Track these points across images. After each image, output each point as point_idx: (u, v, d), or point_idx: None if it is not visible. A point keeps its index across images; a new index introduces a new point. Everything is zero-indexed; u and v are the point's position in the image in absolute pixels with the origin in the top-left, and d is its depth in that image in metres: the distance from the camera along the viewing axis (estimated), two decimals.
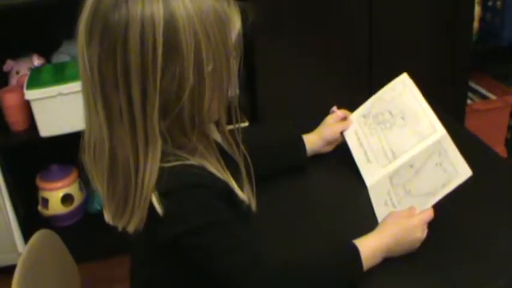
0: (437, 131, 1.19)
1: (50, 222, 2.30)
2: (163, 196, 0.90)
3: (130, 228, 0.93)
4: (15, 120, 2.14)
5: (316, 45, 2.23)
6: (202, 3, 0.87)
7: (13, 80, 2.23)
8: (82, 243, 1.78)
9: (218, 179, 0.96)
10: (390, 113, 1.34)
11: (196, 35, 0.85)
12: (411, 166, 1.20)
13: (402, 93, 1.33)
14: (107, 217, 0.98)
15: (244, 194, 1.02)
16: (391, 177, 1.23)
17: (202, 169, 0.94)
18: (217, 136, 1.10)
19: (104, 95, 0.88)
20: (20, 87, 2.10)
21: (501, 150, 2.72)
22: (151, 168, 0.89)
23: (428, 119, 1.24)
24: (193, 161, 0.93)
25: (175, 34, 0.84)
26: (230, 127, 1.07)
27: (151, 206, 0.90)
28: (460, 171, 1.08)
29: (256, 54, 2.19)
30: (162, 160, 0.91)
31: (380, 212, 1.19)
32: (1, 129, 2.16)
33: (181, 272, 1.01)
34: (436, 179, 1.11)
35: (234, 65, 0.97)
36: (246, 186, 1.03)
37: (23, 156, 2.33)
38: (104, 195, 0.96)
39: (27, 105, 2.08)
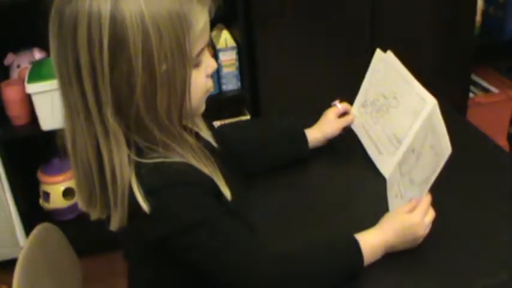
0: (427, 102, 1.17)
1: (51, 216, 2.30)
2: (148, 194, 0.89)
3: (113, 226, 0.92)
4: (17, 114, 2.14)
5: (317, 40, 2.23)
6: (158, 3, 0.84)
7: (14, 74, 2.22)
8: (83, 236, 1.77)
9: (204, 174, 0.95)
10: (384, 96, 1.32)
11: (145, 33, 0.84)
12: (413, 151, 1.18)
13: (386, 71, 1.31)
14: (80, 203, 0.98)
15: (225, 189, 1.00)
16: (401, 165, 1.21)
17: (188, 165, 0.93)
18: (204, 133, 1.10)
19: (62, 90, 0.90)
20: (21, 80, 2.10)
21: (503, 143, 2.72)
22: (119, 161, 0.89)
23: (415, 91, 1.22)
24: (177, 157, 0.92)
25: (122, 30, 0.83)
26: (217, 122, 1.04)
27: (137, 205, 0.89)
28: (444, 150, 1.04)
29: (258, 49, 2.19)
30: (144, 156, 0.91)
31: (392, 204, 1.17)
32: (2, 123, 2.16)
33: (178, 271, 1.00)
34: (430, 164, 1.09)
35: (198, 71, 0.94)
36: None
37: (25, 150, 2.33)
38: (75, 182, 0.97)
39: (28, 99, 2.08)
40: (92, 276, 1.58)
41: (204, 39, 0.93)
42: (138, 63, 0.84)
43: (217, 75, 2.25)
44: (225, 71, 2.24)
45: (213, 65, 0.98)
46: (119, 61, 0.84)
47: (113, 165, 0.89)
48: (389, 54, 1.32)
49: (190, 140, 0.96)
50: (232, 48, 2.21)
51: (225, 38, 2.21)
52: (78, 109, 0.88)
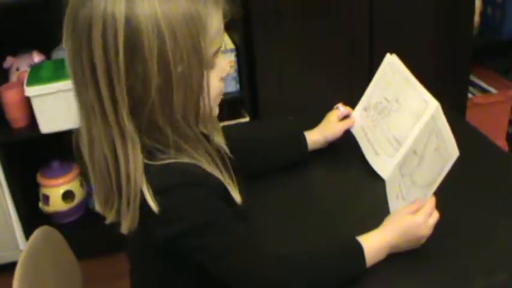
0: (429, 104, 1.17)
1: (51, 219, 2.30)
2: (158, 194, 0.89)
3: (124, 229, 0.92)
4: (16, 117, 2.14)
5: (316, 42, 2.23)
6: (172, 3, 0.84)
7: (13, 77, 2.22)
8: (83, 239, 1.77)
9: (213, 176, 0.95)
10: (386, 99, 1.32)
11: (160, 36, 0.84)
12: (415, 152, 1.17)
13: (392, 76, 1.32)
14: (97, 206, 0.98)
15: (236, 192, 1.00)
16: (401, 166, 1.21)
17: (197, 166, 0.93)
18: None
19: (77, 91, 0.90)
20: (20, 83, 2.10)
21: (502, 144, 2.72)
22: (134, 163, 0.89)
23: (418, 94, 1.22)
24: (187, 159, 0.92)
25: (137, 34, 0.83)
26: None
27: (146, 205, 0.89)
28: (451, 153, 1.05)
29: (257, 51, 2.19)
30: (153, 157, 0.91)
31: (393, 205, 1.17)
32: (1, 126, 2.16)
33: (185, 272, 1.00)
34: (435, 166, 1.09)
35: (213, 73, 0.94)
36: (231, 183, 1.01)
37: (24, 153, 2.33)
38: (92, 184, 0.97)
39: (27, 102, 2.08)
40: (92, 279, 1.58)
41: (219, 41, 0.94)
42: (154, 65, 0.84)
43: None
44: None
45: (226, 68, 0.99)
46: (134, 63, 0.84)
47: (128, 168, 0.89)
48: (394, 57, 1.32)
49: (206, 143, 0.96)
50: (231, 50, 2.21)
51: (224, 40, 2.21)
52: (94, 111, 0.88)
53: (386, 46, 1.90)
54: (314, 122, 1.40)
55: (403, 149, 1.22)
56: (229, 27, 2.26)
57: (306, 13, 2.17)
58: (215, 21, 0.91)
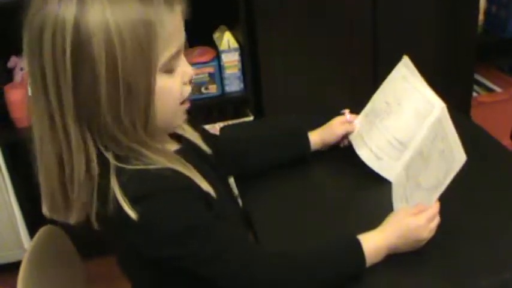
0: (436, 106, 1.16)
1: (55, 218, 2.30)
2: (135, 202, 0.87)
3: (72, 220, 0.94)
4: (20, 116, 2.14)
5: (319, 41, 2.23)
6: (123, 9, 0.83)
7: (17, 77, 2.23)
8: (88, 238, 1.77)
9: (189, 179, 0.93)
10: (386, 102, 1.32)
11: (109, 43, 0.82)
12: (421, 154, 1.17)
13: (397, 82, 1.31)
14: (44, 209, 1.00)
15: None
16: (408, 168, 1.20)
17: (172, 170, 0.91)
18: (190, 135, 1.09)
19: (34, 99, 0.89)
20: (25, 83, 2.10)
21: (507, 142, 2.70)
22: (79, 162, 0.88)
23: (423, 96, 1.21)
24: (158, 163, 0.90)
25: (86, 39, 0.82)
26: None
27: (122, 213, 0.86)
28: (457, 158, 1.04)
29: (260, 50, 2.19)
30: (125, 161, 0.89)
31: (397, 208, 1.17)
32: (6, 125, 2.16)
33: (175, 278, 0.98)
34: (440, 170, 1.09)
35: (172, 77, 0.92)
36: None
37: (28, 153, 2.33)
38: (41, 188, 0.98)
39: None
40: (96, 278, 1.58)
41: (176, 44, 0.90)
42: (102, 72, 0.83)
43: (220, 77, 2.25)
44: (227, 72, 2.24)
45: (189, 72, 0.95)
46: (82, 69, 0.83)
47: (71, 167, 0.88)
48: (405, 58, 1.31)
49: (160, 147, 0.94)
50: (234, 49, 2.21)
51: (228, 40, 2.21)
52: (44, 117, 0.88)
53: (390, 45, 1.89)
54: (317, 120, 1.40)
55: (410, 151, 1.21)
56: (233, 27, 2.27)
57: (308, 12, 2.17)
58: (168, 24, 0.87)
